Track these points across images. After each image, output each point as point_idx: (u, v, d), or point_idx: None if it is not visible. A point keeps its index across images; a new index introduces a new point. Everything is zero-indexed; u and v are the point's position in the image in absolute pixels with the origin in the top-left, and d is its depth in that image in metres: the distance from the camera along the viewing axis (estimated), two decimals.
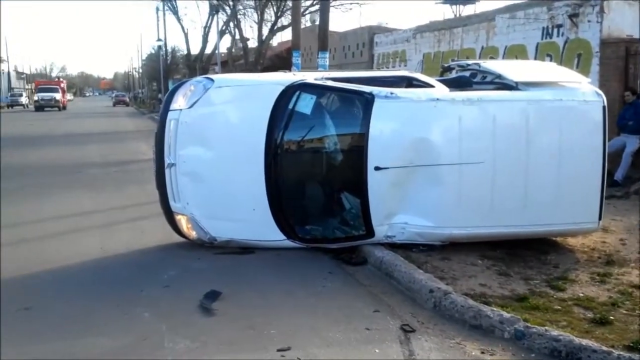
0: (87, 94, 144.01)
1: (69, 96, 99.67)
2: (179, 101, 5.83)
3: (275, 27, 24.97)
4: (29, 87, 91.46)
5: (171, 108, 5.83)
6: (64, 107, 48.93)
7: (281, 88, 5.68)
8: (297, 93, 5.68)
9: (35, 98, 48.32)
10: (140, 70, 76.57)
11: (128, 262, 5.48)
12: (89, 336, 3.85)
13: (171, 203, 5.71)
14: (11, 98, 64.69)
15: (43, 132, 22.93)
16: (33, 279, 5.02)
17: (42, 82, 66.11)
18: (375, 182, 5.38)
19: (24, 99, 64.98)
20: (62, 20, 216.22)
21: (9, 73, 77.92)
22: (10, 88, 73.78)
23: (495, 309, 4.05)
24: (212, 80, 5.93)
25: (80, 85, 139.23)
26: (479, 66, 6.45)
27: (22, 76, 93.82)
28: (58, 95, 47.77)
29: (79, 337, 3.84)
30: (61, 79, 72.50)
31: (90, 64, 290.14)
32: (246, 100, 5.82)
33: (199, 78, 6.24)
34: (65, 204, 8.23)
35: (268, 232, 5.56)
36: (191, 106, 5.73)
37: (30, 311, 4.25)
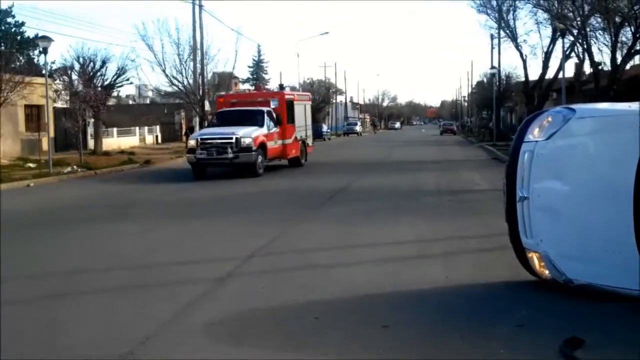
0: (414, 123, 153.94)
1: (397, 125, 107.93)
2: (535, 132, 5.82)
3: (633, 50, 22.85)
4: (362, 116, 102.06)
5: (525, 139, 5.83)
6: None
7: None
8: None
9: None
10: (469, 99, 78.40)
11: (473, 295, 5.64)
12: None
13: (522, 238, 5.70)
14: (347, 127, 73.33)
15: (378, 159, 25.36)
16: (385, 298, 5.60)
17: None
18: None
19: (358, 128, 72.89)
20: (395, 51, 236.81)
21: (345, 103, 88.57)
22: (346, 117, 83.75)
23: None
24: (573, 110, 5.77)
25: (408, 114, 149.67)
26: None
27: (357, 106, 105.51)
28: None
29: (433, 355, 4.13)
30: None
31: (418, 93, 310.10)
32: (612, 131, 5.48)
33: (558, 108, 6.13)
34: (398, 229, 8.96)
35: (635, 279, 5.11)
36: (549, 137, 5.65)
37: (387, 329, 4.74)
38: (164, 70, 32.13)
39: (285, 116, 20.11)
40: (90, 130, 33.10)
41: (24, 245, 8.58)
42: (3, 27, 44.36)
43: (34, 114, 28.88)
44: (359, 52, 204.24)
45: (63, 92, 31.02)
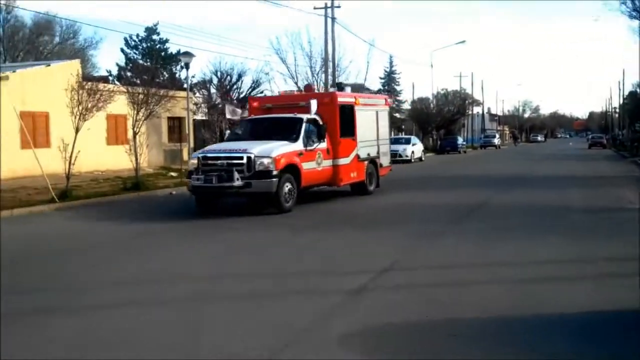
0: (559, 135, 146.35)
1: (540, 137, 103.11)
2: None
3: None
4: (500, 128, 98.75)
5: None
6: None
7: None
8: None
9: None
10: (620, 110, 73.28)
11: (620, 319, 5.36)
12: None
13: None
14: (484, 139, 71.36)
15: (520, 173, 24.43)
16: (524, 319, 5.45)
17: None
18: None
19: (496, 140, 70.70)
20: (537, 59, 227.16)
21: (482, 115, 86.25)
22: (483, 129, 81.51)
23: None
24: None
25: (552, 126, 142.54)
26: None
27: (495, 118, 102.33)
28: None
29: None
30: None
31: (562, 104, 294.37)
32: None
33: None
34: (540, 247, 8.61)
35: None
36: None
37: (526, 352, 4.64)
38: (296, 83, 33.39)
39: (337, 126, 14.86)
40: None
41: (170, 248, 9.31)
42: (149, 44, 48.36)
43: (175, 126, 31.11)
44: (497, 60, 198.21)
45: (202, 104, 33.17)
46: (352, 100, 16.04)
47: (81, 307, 6.15)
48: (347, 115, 15.50)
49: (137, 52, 48.33)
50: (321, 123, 14.44)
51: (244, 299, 6.34)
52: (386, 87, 64.61)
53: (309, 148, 13.70)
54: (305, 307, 5.96)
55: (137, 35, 47.65)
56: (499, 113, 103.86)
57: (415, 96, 62.07)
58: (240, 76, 34.13)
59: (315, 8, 34.12)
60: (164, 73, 38.79)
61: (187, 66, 23.05)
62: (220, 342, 5.03)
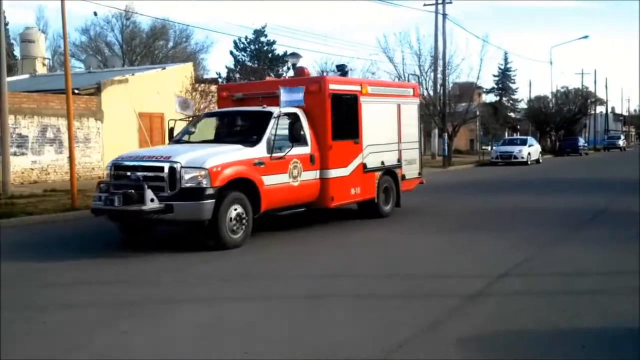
0: None
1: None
2: None
3: None
4: (625, 129, 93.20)
5: None
6: None
7: None
8: None
9: None
10: None
11: None
12: None
13: None
14: (608, 140, 67.64)
15: None
16: None
17: None
18: None
19: (621, 142, 66.82)
20: None
21: (606, 114, 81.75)
22: (606, 130, 77.27)
23: None
24: None
25: None
26: None
27: (620, 118, 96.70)
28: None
29: None
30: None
31: None
32: None
33: None
34: None
35: None
36: None
37: None
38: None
39: (328, 124, 10.97)
40: None
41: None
42: (257, 46, 49.92)
43: None
44: (623, 57, 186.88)
45: None
46: (355, 88, 12.00)
47: (210, 298, 6.45)
48: (347, 108, 11.61)
49: (245, 55, 50.02)
50: (303, 120, 10.74)
51: (360, 297, 6.42)
52: (500, 85, 62.74)
53: (276, 155, 9.87)
54: (424, 308, 5.95)
55: (246, 38, 49.27)
56: (624, 113, 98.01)
57: (532, 94, 59.90)
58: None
59: (425, 5, 33.84)
60: (271, 74, 39.85)
61: (294, 67, 23.54)
62: (333, 340, 5.12)
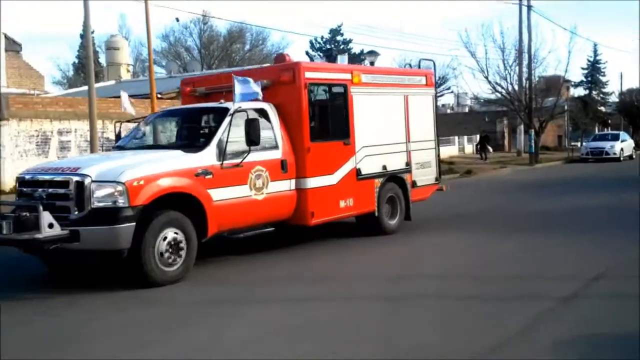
0: None
1: None
2: None
3: None
4: None
5: None
6: None
7: None
8: None
9: None
10: None
11: None
12: None
13: None
14: None
15: None
16: None
17: None
18: None
19: None
20: None
21: None
22: None
23: None
24: None
25: None
26: None
27: None
28: None
29: None
30: None
31: None
32: None
33: None
34: None
35: None
36: None
37: None
38: (486, 77, 32.49)
39: (303, 122, 9.09)
40: None
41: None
42: (333, 45, 50.26)
43: None
44: None
45: None
46: (344, 77, 9.92)
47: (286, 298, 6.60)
48: (333, 102, 9.86)
49: (321, 54, 50.47)
50: (273, 117, 8.94)
51: (449, 299, 6.41)
52: (589, 78, 60.36)
53: (230, 162, 8.07)
54: (517, 310, 5.87)
55: (322, 38, 49.74)
56: None
57: (624, 87, 57.33)
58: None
59: None
60: None
61: (372, 65, 23.63)
62: (423, 341, 5.14)
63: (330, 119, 9.80)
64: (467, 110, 54.13)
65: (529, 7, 32.33)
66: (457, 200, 15.18)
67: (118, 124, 10.15)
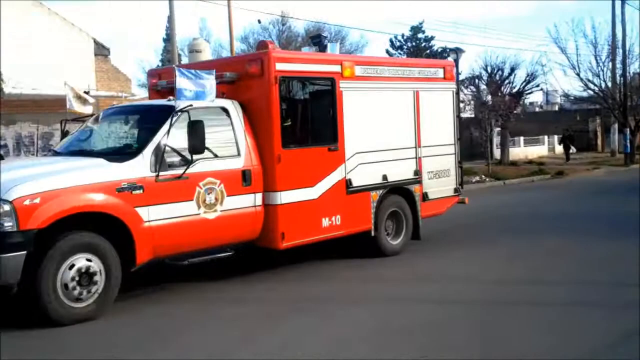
0: None
1: None
2: None
3: None
4: None
5: None
6: None
7: None
8: None
9: None
10: None
11: None
12: None
13: None
14: None
15: None
16: None
17: None
18: None
19: None
20: None
21: None
22: None
23: None
24: None
25: None
26: None
27: None
28: None
29: None
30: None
31: None
32: None
33: None
34: None
35: None
36: None
37: None
38: (577, 74, 31.45)
39: (273, 123, 7.69)
40: (496, 139, 34.42)
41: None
42: (414, 43, 49.80)
43: None
44: None
45: (471, 101, 32.99)
46: (331, 69, 8.41)
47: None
48: (316, 99, 8.47)
49: (402, 52, 50.08)
50: (235, 118, 7.61)
51: (545, 305, 6.33)
52: None
53: (167, 174, 6.78)
54: (610, 318, 5.74)
55: (402, 35, 49.34)
56: None
57: None
58: (512, 70, 33.15)
59: None
60: None
61: (456, 63, 23.21)
62: (526, 348, 5.06)
63: (311, 120, 8.35)
64: (557, 108, 52.43)
65: (623, 0, 31.00)
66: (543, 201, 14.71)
67: (64, 122, 8.70)
